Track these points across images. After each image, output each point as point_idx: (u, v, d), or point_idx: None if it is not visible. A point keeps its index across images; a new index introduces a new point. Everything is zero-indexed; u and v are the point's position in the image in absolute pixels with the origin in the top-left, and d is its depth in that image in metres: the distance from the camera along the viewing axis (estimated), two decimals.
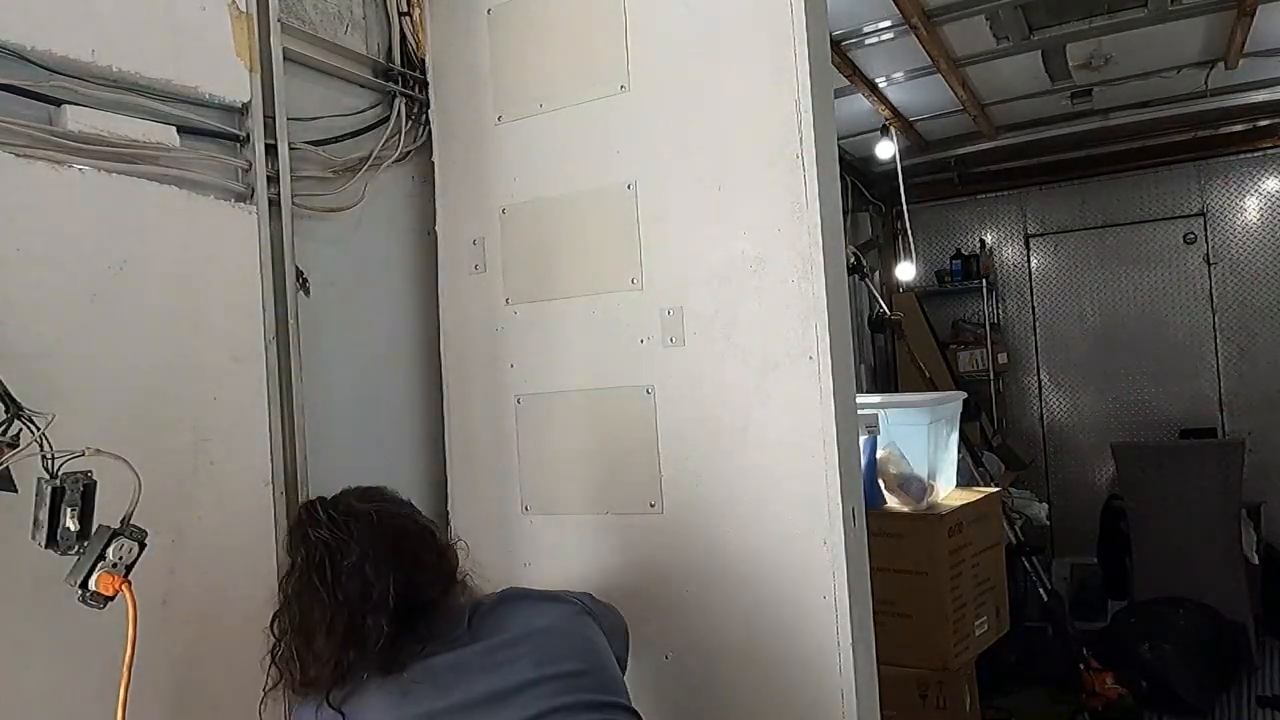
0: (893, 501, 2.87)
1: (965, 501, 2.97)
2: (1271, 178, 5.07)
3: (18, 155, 1.44)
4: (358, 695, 1.29)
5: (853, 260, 3.93)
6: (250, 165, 1.83)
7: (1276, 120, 4.83)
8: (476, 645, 1.34)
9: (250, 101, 1.83)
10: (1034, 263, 5.71)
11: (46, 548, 1.26)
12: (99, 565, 1.25)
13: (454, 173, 2.24)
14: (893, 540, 2.74)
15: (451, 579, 1.42)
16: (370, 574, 1.30)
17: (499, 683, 1.31)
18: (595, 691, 1.37)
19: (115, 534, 1.27)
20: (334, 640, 1.27)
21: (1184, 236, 5.25)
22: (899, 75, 4.20)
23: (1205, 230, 5.21)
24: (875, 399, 3.14)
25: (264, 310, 1.81)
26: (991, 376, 5.58)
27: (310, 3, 2.06)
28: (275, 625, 1.34)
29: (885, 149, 4.76)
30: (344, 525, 1.33)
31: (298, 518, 1.40)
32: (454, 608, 1.39)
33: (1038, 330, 5.69)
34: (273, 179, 1.87)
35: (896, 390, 5.51)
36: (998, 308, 5.80)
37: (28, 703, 1.40)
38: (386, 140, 2.18)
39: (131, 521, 1.29)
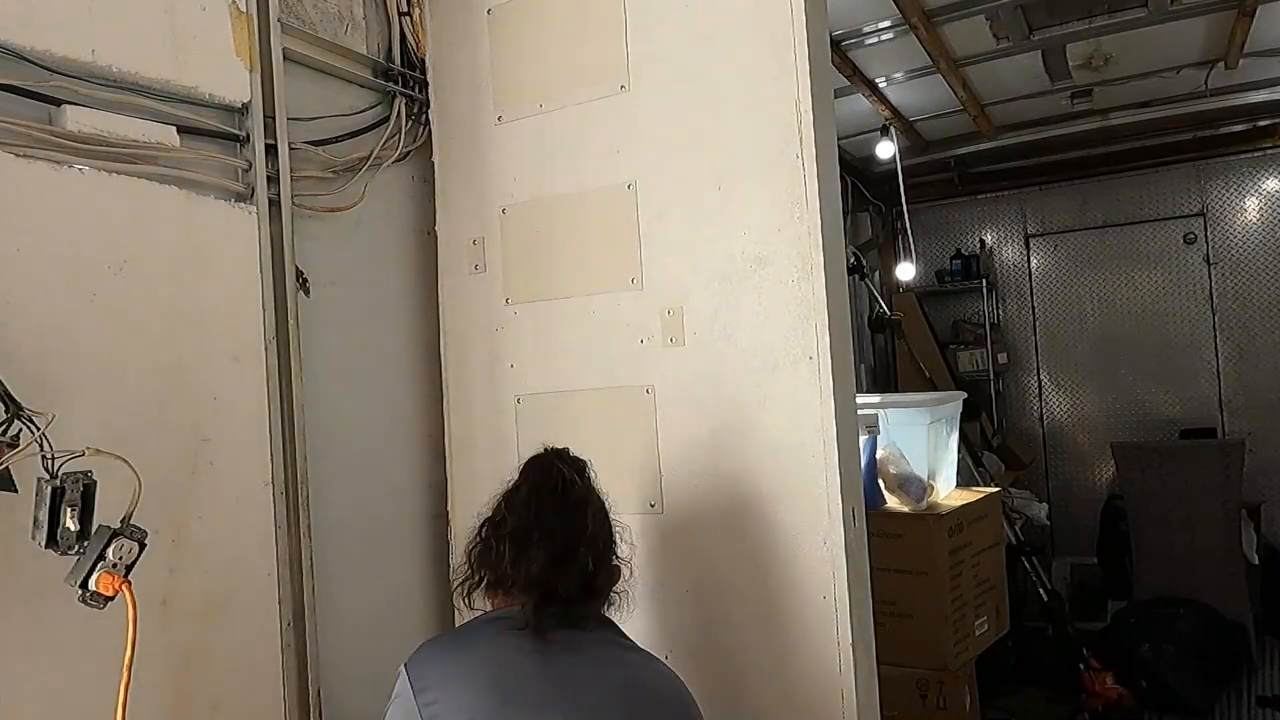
0: (893, 501, 2.87)
1: (965, 501, 2.96)
2: (1271, 178, 5.07)
3: (18, 155, 1.45)
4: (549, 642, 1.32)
5: (853, 260, 3.93)
6: (250, 165, 1.83)
7: (1276, 120, 4.83)
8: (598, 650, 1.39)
9: (250, 101, 1.83)
10: (1034, 263, 5.71)
11: (46, 548, 1.26)
12: (99, 565, 1.25)
13: (454, 173, 2.24)
14: (893, 540, 2.74)
15: (612, 586, 1.47)
16: (590, 520, 1.41)
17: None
18: None
19: (115, 534, 1.27)
20: (548, 554, 1.34)
21: (1184, 236, 5.26)
22: (899, 75, 4.20)
23: (1205, 230, 5.21)
24: (875, 399, 3.14)
25: (264, 310, 1.81)
26: (991, 376, 5.58)
27: (310, 3, 2.06)
28: (484, 529, 1.42)
29: (885, 149, 4.76)
30: (580, 475, 1.46)
31: (543, 452, 1.51)
32: (603, 615, 1.46)
33: (1038, 330, 5.69)
34: (273, 179, 1.87)
35: (896, 390, 5.51)
36: (998, 308, 5.80)
37: (28, 703, 1.40)
38: (386, 140, 2.18)
39: (131, 521, 1.29)
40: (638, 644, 1.47)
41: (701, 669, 1.87)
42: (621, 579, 1.48)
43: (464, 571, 1.43)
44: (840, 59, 3.79)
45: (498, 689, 1.27)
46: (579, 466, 1.50)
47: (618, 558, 1.48)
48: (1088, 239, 5.50)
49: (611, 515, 1.49)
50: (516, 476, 1.49)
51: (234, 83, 1.80)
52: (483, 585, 1.41)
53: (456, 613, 1.56)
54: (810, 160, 1.77)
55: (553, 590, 1.34)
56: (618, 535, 1.49)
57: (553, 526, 1.39)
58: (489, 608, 1.42)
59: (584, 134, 2.04)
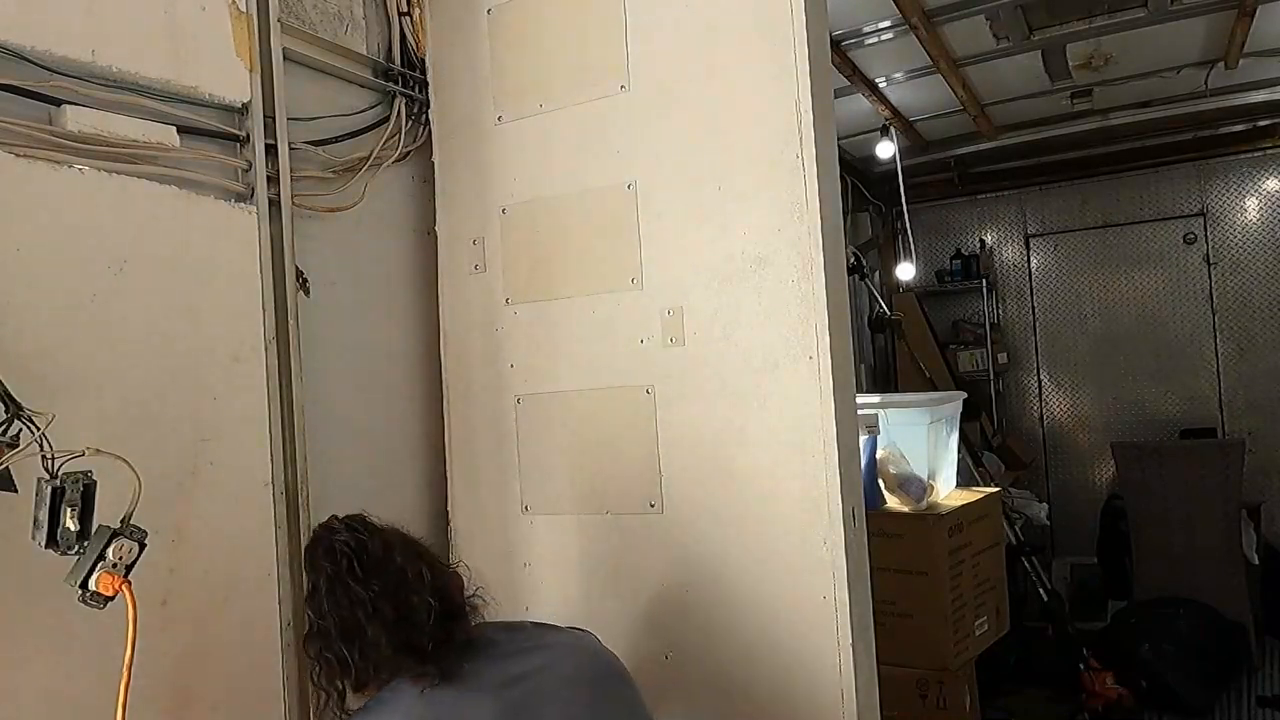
0: (893, 501, 2.87)
1: (965, 501, 2.97)
2: (1271, 178, 5.07)
3: (18, 155, 1.45)
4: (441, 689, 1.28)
5: (853, 260, 3.93)
6: (250, 165, 1.83)
7: (1276, 120, 4.84)
8: (511, 668, 1.36)
9: (250, 101, 1.83)
10: (1034, 263, 5.71)
11: (46, 548, 1.26)
12: (99, 565, 1.25)
13: (454, 173, 2.24)
14: (893, 540, 2.74)
15: (463, 595, 1.44)
16: (400, 560, 1.33)
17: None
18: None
19: (115, 534, 1.27)
20: (384, 624, 1.27)
21: (1184, 236, 5.25)
22: (899, 75, 4.20)
23: (1205, 230, 5.21)
24: (875, 399, 3.14)
25: (264, 310, 1.81)
26: (991, 376, 5.58)
27: (310, 3, 2.06)
28: (309, 645, 1.33)
29: (885, 149, 4.76)
30: (362, 528, 1.36)
31: (315, 535, 1.42)
32: (476, 624, 1.42)
33: (1038, 330, 5.69)
34: (273, 179, 1.87)
35: (896, 390, 5.51)
36: (998, 308, 5.80)
37: (28, 703, 1.40)
38: (386, 140, 2.18)
39: (131, 521, 1.29)
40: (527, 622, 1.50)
41: (701, 669, 1.87)
42: (467, 581, 1.45)
43: (322, 695, 1.33)
44: (840, 59, 3.79)
45: None
46: (358, 522, 1.39)
47: (447, 565, 1.46)
48: (1088, 239, 5.50)
49: (405, 530, 1.44)
50: (306, 576, 1.39)
51: (234, 83, 1.80)
52: (348, 692, 1.32)
53: None
54: (810, 160, 1.77)
55: (419, 646, 1.28)
56: (430, 548, 1.46)
57: (372, 597, 1.29)
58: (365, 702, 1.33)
59: (584, 134, 2.04)
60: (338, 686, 1.31)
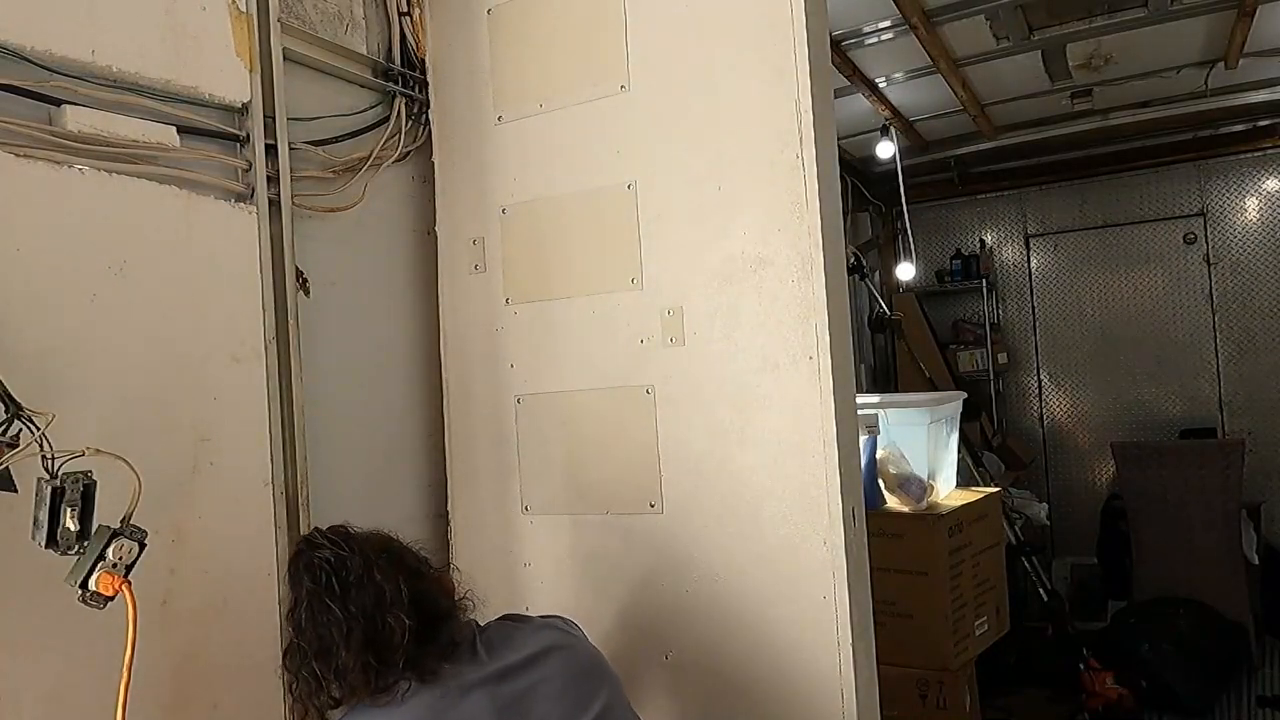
0: (893, 501, 2.87)
1: (965, 501, 2.97)
2: (1271, 178, 5.07)
3: (18, 155, 1.45)
4: (401, 707, 1.28)
5: (853, 260, 3.93)
6: (250, 165, 1.83)
7: (1276, 120, 4.84)
8: (501, 663, 1.37)
9: (250, 101, 1.83)
10: (1034, 263, 5.71)
11: (46, 548, 1.26)
12: (99, 565, 1.25)
13: (454, 173, 2.24)
14: (893, 540, 2.74)
15: (452, 597, 1.44)
16: (380, 578, 1.31)
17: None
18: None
19: (115, 534, 1.27)
20: (356, 648, 1.27)
21: (1184, 236, 5.25)
22: (899, 75, 4.20)
23: (1205, 230, 5.21)
24: (875, 399, 3.14)
25: (264, 310, 1.81)
26: (991, 376, 5.58)
27: (310, 3, 2.06)
28: (289, 661, 1.33)
29: (885, 149, 4.76)
30: (343, 543, 1.35)
31: (296, 549, 1.41)
32: (465, 623, 1.41)
33: (1038, 330, 5.69)
34: (273, 179, 1.87)
35: (896, 390, 5.51)
36: (998, 308, 5.80)
37: (28, 703, 1.40)
38: (386, 140, 2.18)
39: (131, 521, 1.29)
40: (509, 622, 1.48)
41: (701, 669, 1.87)
42: (458, 584, 1.45)
43: (299, 708, 1.33)
44: (840, 59, 3.79)
45: None
46: (339, 536, 1.38)
47: (434, 569, 1.44)
48: (1088, 239, 5.50)
49: (392, 533, 1.43)
50: (289, 590, 1.39)
51: (234, 83, 1.80)
52: (325, 709, 1.32)
53: None
54: (810, 160, 1.77)
55: (391, 664, 1.28)
56: (418, 550, 1.44)
57: (348, 617, 1.28)
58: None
59: (584, 134, 2.04)
60: (315, 703, 1.31)
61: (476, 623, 1.46)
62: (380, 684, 1.28)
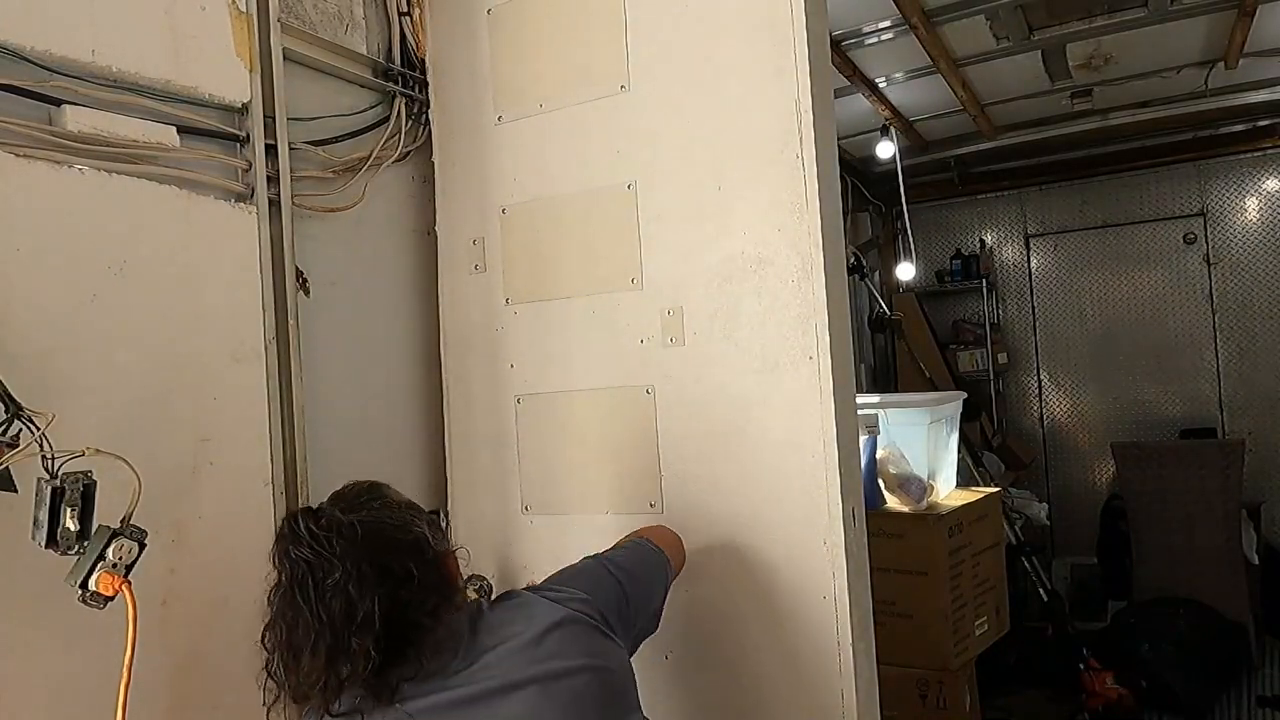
0: (893, 501, 2.87)
1: (965, 501, 2.97)
2: (1271, 178, 5.07)
3: (18, 155, 1.45)
4: None
5: (853, 260, 3.93)
6: (250, 165, 1.83)
7: (1276, 120, 4.84)
8: (473, 688, 1.28)
9: (250, 101, 1.83)
10: (1034, 263, 5.71)
11: (46, 548, 1.26)
12: (99, 565, 1.25)
13: (454, 173, 2.24)
14: (893, 540, 2.74)
15: (447, 591, 1.33)
16: (354, 593, 1.22)
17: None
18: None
19: (115, 534, 1.27)
20: (319, 660, 1.22)
21: (1184, 236, 5.26)
22: (899, 75, 4.20)
23: (1205, 230, 5.21)
24: (875, 399, 3.14)
25: (264, 310, 1.81)
26: (991, 376, 5.58)
27: (310, 3, 2.06)
28: (265, 639, 1.28)
29: (885, 149, 4.76)
30: (326, 541, 1.25)
31: (280, 531, 1.31)
32: (450, 627, 1.30)
33: (1038, 330, 5.69)
34: (273, 179, 1.87)
35: (896, 390, 5.51)
36: (998, 308, 5.80)
37: (28, 703, 1.40)
38: (386, 140, 2.18)
39: (131, 521, 1.29)
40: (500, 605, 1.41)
41: (701, 669, 1.87)
42: (461, 565, 1.37)
43: (271, 691, 1.27)
44: (840, 59, 3.79)
45: None
46: (321, 530, 1.25)
47: (436, 552, 1.33)
48: (1088, 239, 5.50)
49: (383, 520, 1.30)
50: (274, 566, 1.29)
51: (234, 83, 1.80)
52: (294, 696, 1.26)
53: None
54: (810, 160, 1.76)
55: (344, 685, 1.22)
56: (427, 521, 1.35)
57: (317, 626, 1.21)
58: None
59: (584, 134, 2.04)
60: (287, 685, 1.26)
61: (481, 603, 1.40)
62: (333, 708, 1.24)
